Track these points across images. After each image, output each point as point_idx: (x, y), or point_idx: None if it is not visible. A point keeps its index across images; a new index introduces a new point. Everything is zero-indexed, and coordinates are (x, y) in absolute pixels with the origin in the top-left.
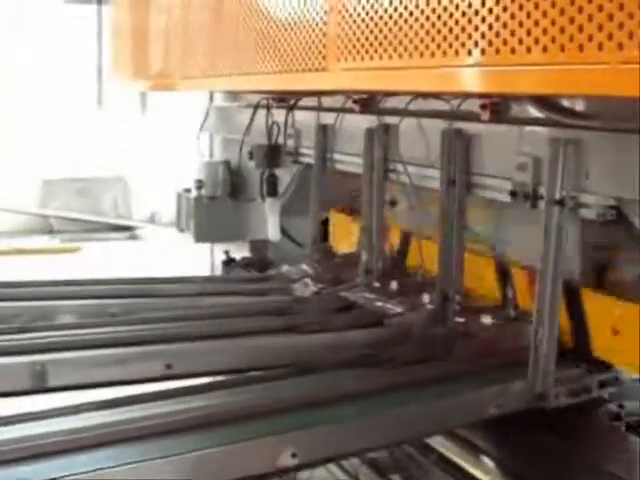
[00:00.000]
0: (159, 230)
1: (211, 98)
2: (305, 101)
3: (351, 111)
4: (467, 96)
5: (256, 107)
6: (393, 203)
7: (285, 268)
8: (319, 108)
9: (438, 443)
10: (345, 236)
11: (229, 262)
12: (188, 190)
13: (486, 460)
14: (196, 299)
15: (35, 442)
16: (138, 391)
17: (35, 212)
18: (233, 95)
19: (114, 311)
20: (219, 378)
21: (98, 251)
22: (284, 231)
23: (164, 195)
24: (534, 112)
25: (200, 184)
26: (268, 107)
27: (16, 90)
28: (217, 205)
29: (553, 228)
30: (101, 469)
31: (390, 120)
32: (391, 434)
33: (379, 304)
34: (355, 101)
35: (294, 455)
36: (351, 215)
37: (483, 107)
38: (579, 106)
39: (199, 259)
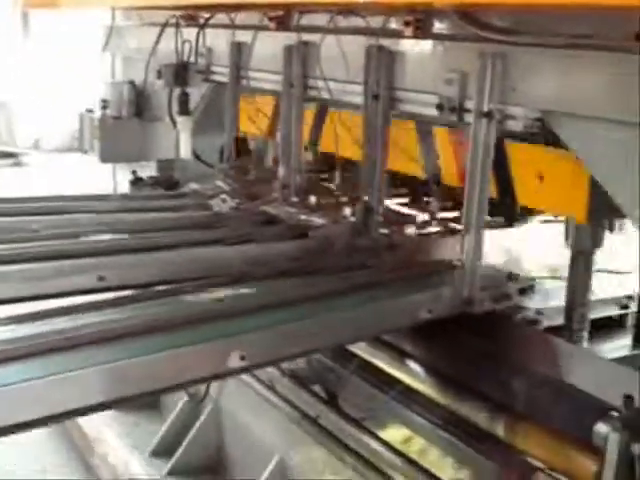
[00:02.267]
0: (43, 156)
1: (113, 17)
2: (217, 19)
3: (266, 28)
4: (391, 13)
5: (164, 25)
6: None
7: (197, 186)
8: (233, 26)
9: (363, 350)
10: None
11: (137, 181)
12: (90, 110)
13: (413, 364)
14: (117, 215)
15: None
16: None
17: None
18: (135, 14)
19: (36, 227)
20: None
21: None
22: (192, 151)
23: (48, 121)
24: (457, 29)
25: (105, 104)
26: (177, 25)
27: None
28: (122, 125)
29: (481, 140)
30: (54, 374)
31: (307, 37)
32: (332, 336)
33: (302, 217)
34: (270, 18)
35: (243, 357)
36: None
37: (407, 23)
38: (504, 21)
39: (88, 185)
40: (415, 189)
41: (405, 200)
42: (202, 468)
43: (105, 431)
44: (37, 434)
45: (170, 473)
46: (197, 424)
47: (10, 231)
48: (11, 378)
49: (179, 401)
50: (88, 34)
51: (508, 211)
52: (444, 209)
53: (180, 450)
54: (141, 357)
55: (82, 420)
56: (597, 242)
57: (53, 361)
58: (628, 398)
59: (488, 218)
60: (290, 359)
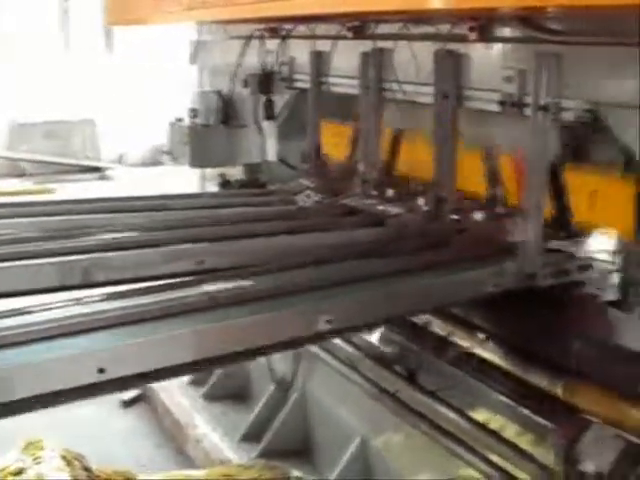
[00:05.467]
0: (128, 170)
1: (199, 32)
2: (297, 31)
3: (344, 38)
4: (456, 20)
5: (249, 38)
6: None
7: (282, 185)
8: (313, 36)
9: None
10: (336, 144)
11: (225, 184)
12: (180, 119)
13: (483, 336)
14: (210, 211)
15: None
16: None
17: (5, 155)
18: (218, 28)
19: (139, 221)
20: None
21: (72, 192)
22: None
23: (131, 136)
24: (515, 32)
25: (194, 113)
26: (262, 37)
27: None
28: (211, 132)
29: (539, 131)
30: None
31: (381, 44)
32: (407, 305)
33: (379, 208)
34: (348, 28)
35: (329, 321)
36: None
37: (471, 29)
38: (557, 24)
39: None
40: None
41: None
42: (290, 452)
43: (197, 419)
44: (134, 422)
45: (259, 457)
46: (284, 409)
47: (115, 225)
48: (123, 338)
49: (267, 389)
50: (169, 50)
51: (565, 227)
52: None
53: (268, 434)
54: (240, 319)
55: (175, 409)
56: None
57: (165, 323)
58: None
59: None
60: (370, 326)
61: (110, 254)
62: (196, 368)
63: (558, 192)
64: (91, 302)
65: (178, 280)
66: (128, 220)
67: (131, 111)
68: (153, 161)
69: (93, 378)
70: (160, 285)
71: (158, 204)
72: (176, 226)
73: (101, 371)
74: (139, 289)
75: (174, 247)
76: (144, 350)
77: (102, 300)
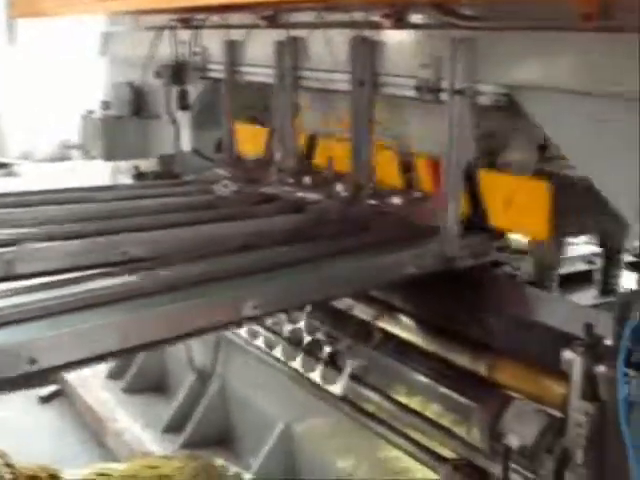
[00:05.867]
0: (36, 166)
1: (109, 24)
2: (210, 21)
3: (257, 27)
4: (371, 7)
5: (161, 29)
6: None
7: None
8: (226, 26)
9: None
10: (251, 143)
11: (139, 176)
12: (92, 112)
13: (405, 318)
14: (129, 202)
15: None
16: None
17: None
18: (132, 18)
19: (59, 214)
20: None
21: None
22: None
23: (38, 131)
24: (430, 19)
25: (106, 105)
26: (174, 28)
27: None
28: (123, 124)
29: (455, 116)
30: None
31: (296, 33)
32: (330, 289)
33: (298, 195)
34: (262, 17)
35: (255, 307)
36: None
37: (386, 16)
38: (471, 10)
39: None
40: None
41: None
42: (213, 441)
43: (117, 412)
44: (52, 418)
45: (182, 447)
46: (205, 399)
47: (35, 218)
48: (53, 328)
49: (187, 379)
50: (76, 41)
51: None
52: None
53: (190, 425)
54: (167, 306)
55: (95, 404)
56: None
57: (93, 313)
58: (588, 326)
59: None
60: (294, 309)
61: (33, 246)
62: (125, 352)
63: (474, 196)
64: (16, 294)
65: (103, 270)
66: (47, 213)
67: (37, 106)
68: (62, 156)
69: (25, 368)
70: (85, 275)
71: (77, 196)
72: (97, 218)
73: (32, 362)
74: (64, 280)
75: (97, 238)
76: (74, 339)
77: (28, 292)
